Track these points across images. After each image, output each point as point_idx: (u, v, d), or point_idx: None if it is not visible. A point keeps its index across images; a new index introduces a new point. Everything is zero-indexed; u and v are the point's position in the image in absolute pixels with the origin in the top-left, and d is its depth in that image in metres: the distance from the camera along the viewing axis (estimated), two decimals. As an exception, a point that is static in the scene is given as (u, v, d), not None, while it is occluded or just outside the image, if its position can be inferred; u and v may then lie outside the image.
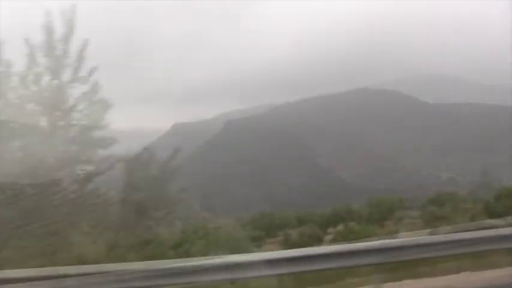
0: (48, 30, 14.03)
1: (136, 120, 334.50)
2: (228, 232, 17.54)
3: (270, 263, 8.68)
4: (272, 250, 13.46)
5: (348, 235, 15.20)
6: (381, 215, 29.56)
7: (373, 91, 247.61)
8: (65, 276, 7.86)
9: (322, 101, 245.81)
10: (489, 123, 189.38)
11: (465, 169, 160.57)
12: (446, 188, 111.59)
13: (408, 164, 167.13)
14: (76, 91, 14.83)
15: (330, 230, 26.25)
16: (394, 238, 10.43)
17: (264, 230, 19.60)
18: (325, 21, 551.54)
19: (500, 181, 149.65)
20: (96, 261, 9.62)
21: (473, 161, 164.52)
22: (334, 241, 14.73)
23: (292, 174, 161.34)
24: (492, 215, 17.78)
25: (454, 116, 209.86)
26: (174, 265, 8.49)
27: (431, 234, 10.77)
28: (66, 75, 14.48)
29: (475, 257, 10.44)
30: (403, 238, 10.44)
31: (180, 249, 13.99)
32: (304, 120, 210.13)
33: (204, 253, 12.22)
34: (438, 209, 26.53)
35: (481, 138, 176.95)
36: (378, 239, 9.85)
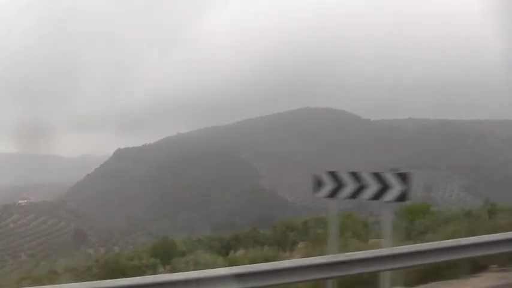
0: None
1: (82, 147, 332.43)
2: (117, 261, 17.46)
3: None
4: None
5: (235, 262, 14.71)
6: (298, 237, 28.88)
7: (315, 110, 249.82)
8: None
9: (264, 121, 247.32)
10: (431, 138, 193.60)
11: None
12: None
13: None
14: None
15: (231, 254, 25.05)
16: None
17: (162, 257, 19.13)
18: (269, 42, 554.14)
19: (443, 195, 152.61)
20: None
21: (416, 176, 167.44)
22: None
23: (235, 196, 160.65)
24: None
25: (397, 131, 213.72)
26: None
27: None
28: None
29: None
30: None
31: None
32: (247, 141, 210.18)
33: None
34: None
35: (423, 153, 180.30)
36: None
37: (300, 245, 24.71)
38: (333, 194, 11.22)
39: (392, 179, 10.25)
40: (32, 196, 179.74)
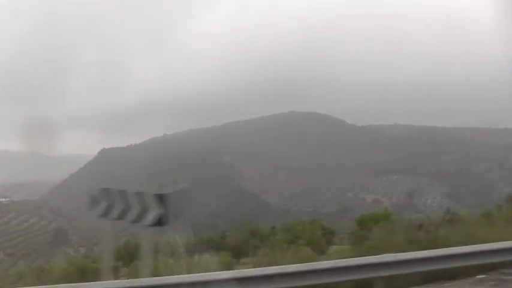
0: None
1: (67, 146, 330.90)
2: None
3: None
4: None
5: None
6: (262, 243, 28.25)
7: (301, 113, 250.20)
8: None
9: (251, 123, 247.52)
10: (415, 145, 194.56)
11: (391, 191, 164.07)
12: (370, 210, 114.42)
13: (335, 186, 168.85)
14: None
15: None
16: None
17: (125, 260, 19.17)
18: (257, 45, 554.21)
19: (425, 202, 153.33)
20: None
21: (399, 183, 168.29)
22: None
23: (218, 198, 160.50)
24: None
25: (382, 136, 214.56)
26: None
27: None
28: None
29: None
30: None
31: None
32: (233, 143, 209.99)
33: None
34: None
35: (408, 159, 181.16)
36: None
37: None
38: (106, 213, 10.56)
39: (152, 201, 9.61)
40: (15, 195, 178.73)
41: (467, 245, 12.26)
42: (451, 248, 12.10)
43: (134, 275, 13.87)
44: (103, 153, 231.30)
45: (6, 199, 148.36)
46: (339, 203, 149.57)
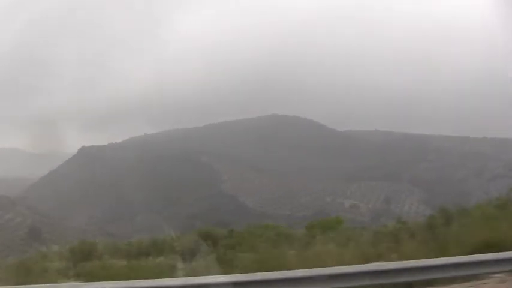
0: None
1: (48, 143, 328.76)
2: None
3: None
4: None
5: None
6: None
7: (282, 117, 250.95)
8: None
9: (232, 125, 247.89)
10: (395, 151, 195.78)
11: (368, 196, 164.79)
12: (347, 215, 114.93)
13: (313, 190, 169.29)
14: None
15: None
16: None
17: (75, 261, 19.12)
18: (240, 47, 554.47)
19: (402, 208, 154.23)
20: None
21: (377, 188, 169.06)
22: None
23: (196, 199, 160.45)
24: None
25: (361, 142, 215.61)
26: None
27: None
28: None
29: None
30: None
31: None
32: (213, 145, 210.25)
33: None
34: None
35: (387, 166, 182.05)
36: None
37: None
38: None
39: None
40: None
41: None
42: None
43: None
44: (83, 151, 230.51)
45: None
46: (316, 207, 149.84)
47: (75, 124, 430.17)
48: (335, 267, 11.19)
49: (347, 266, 11.24)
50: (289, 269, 11.01)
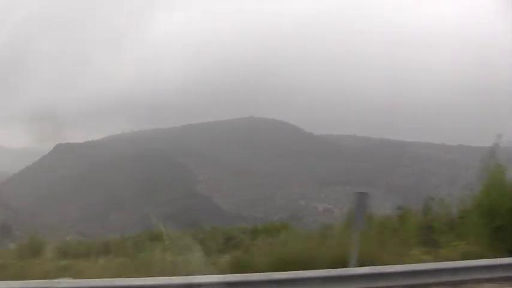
0: None
1: (23, 139, 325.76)
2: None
3: None
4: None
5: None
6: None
7: (259, 119, 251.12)
8: None
9: (209, 126, 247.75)
10: (371, 156, 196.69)
11: (343, 200, 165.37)
12: (321, 218, 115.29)
13: (288, 193, 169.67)
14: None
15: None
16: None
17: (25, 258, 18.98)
18: (219, 47, 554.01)
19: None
20: None
21: (352, 193, 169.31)
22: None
23: (170, 200, 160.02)
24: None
25: (339, 147, 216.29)
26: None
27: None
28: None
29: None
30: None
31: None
32: (190, 146, 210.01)
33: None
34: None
35: (362, 171, 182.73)
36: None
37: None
38: None
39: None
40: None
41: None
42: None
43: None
44: (59, 148, 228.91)
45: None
46: (291, 210, 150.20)
47: (52, 121, 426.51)
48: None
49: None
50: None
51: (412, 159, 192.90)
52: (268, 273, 12.22)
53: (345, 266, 13.44)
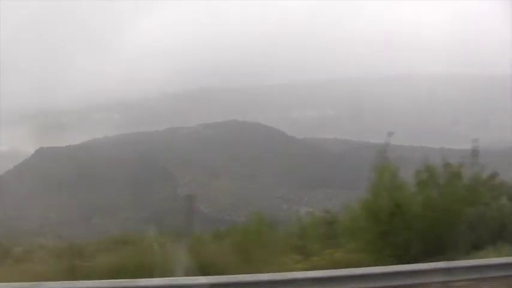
0: None
1: (3, 142, 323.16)
2: None
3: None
4: None
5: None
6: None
7: (242, 123, 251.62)
8: None
9: (192, 129, 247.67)
10: (353, 159, 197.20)
11: (324, 204, 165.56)
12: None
13: (270, 196, 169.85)
14: None
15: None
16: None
17: None
18: (200, 49, 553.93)
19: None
20: None
21: (334, 196, 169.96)
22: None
23: (152, 203, 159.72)
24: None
25: (321, 150, 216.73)
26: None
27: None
28: None
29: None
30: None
31: None
32: (172, 149, 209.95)
33: None
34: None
35: (345, 174, 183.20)
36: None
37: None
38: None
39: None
40: None
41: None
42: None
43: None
44: (40, 151, 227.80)
45: None
46: (272, 214, 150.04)
47: (33, 124, 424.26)
48: None
49: None
50: None
51: (393, 162, 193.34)
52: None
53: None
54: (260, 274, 12.36)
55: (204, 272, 12.26)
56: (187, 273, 12.28)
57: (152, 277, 11.91)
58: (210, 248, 15.83)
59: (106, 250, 17.51)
